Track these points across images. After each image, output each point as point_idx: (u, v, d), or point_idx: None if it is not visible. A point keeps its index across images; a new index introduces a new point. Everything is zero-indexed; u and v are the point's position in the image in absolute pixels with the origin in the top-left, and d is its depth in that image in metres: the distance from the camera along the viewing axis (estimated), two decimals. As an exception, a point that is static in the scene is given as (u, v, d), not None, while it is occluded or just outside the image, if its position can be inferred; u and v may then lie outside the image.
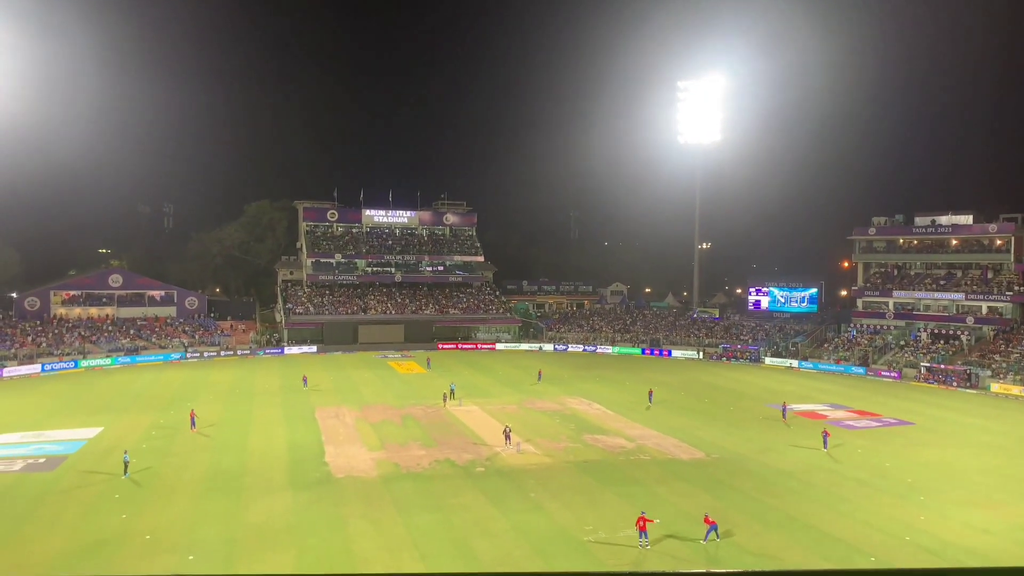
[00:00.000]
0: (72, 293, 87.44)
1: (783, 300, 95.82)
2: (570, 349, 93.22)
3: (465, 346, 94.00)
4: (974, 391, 64.66)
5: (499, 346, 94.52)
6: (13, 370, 68.85)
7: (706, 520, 27.35)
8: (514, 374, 71.12)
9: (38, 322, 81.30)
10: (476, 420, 49.06)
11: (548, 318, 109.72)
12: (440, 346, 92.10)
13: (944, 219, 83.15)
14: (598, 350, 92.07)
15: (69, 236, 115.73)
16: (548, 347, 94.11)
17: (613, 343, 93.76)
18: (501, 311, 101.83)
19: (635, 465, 38.12)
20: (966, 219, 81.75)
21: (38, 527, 28.34)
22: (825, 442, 41.35)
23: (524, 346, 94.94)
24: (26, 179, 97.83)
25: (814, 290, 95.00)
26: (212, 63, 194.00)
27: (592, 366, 78.04)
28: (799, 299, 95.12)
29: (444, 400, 54.56)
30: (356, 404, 54.51)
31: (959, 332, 76.19)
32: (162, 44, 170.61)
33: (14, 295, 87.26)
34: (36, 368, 70.63)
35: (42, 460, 38.17)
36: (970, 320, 76.57)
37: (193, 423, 45.42)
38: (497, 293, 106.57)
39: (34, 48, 79.48)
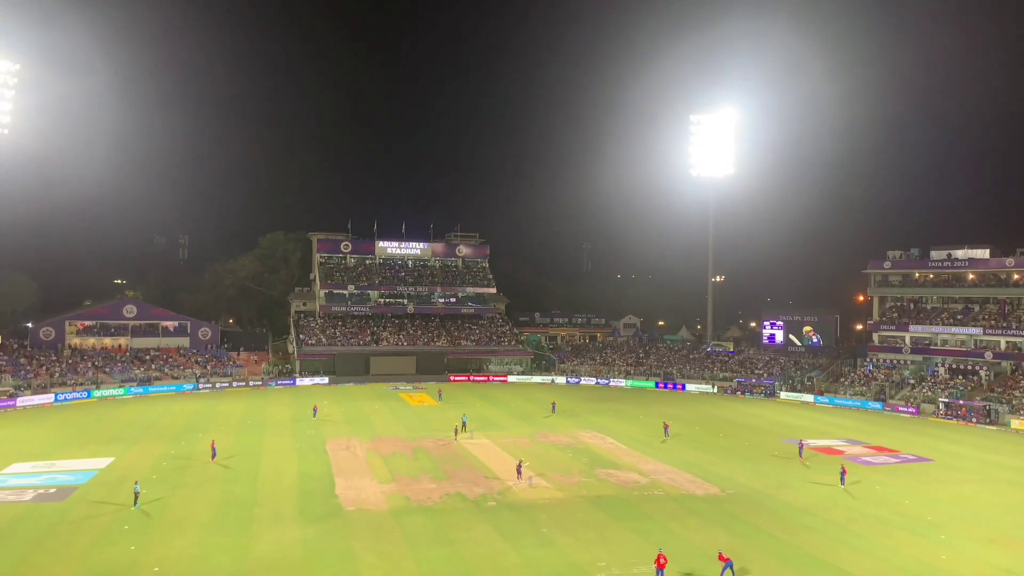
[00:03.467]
0: (87, 323, 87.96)
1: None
2: (583, 382, 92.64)
3: (477, 378, 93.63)
4: (993, 427, 63.63)
5: (511, 378, 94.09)
6: (27, 400, 69.06)
7: (720, 557, 26.83)
8: (526, 407, 70.66)
9: (52, 352, 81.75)
10: (487, 453, 48.65)
11: (560, 350, 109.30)
12: (452, 378, 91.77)
13: (960, 253, 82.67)
14: (611, 383, 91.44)
15: (85, 267, 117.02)
16: (560, 380, 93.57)
17: (626, 376, 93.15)
18: (513, 343, 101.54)
19: (649, 500, 37.58)
20: (983, 253, 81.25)
21: (48, 557, 28.14)
22: (842, 478, 40.70)
23: (536, 378, 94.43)
24: (44, 210, 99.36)
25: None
26: (227, 97, 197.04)
27: (605, 399, 77.45)
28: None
29: (455, 433, 54.19)
30: (367, 436, 54.23)
31: (977, 367, 75.24)
32: (178, 79, 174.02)
33: (30, 325, 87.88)
34: (49, 398, 70.83)
35: (53, 490, 38.07)
36: (988, 355, 75.60)
37: (214, 454, 45.36)
38: (509, 325, 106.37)
39: (53, 83, 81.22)
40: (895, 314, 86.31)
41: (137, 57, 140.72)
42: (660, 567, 26.02)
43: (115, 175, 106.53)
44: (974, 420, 65.39)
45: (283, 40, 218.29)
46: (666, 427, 56.34)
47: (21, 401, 68.41)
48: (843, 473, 41.10)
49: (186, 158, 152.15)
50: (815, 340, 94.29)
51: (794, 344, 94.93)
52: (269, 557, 28.37)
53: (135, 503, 34.68)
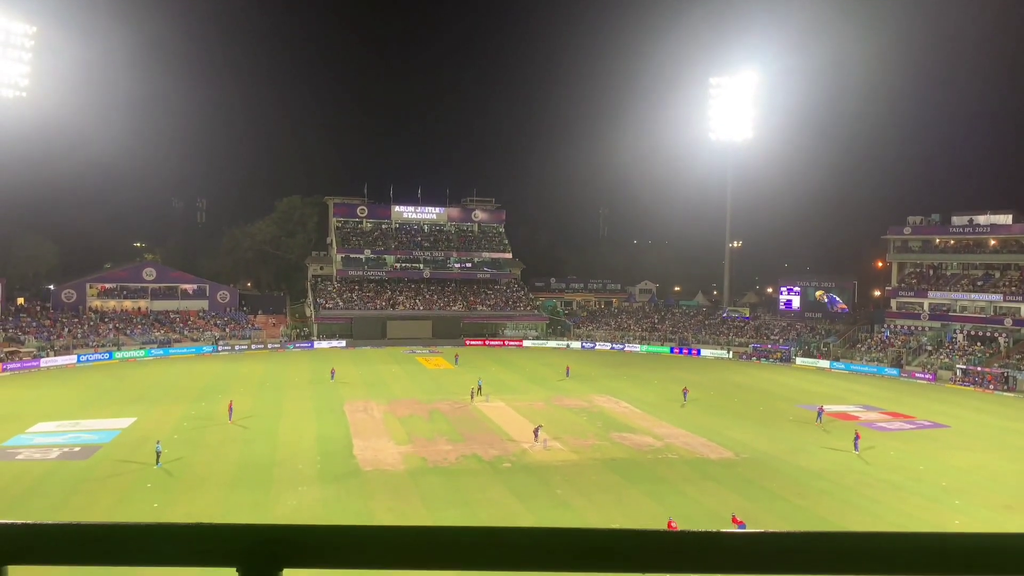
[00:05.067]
0: (107, 286, 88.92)
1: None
2: (598, 347, 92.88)
3: (492, 343, 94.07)
4: (1011, 394, 63.32)
5: (526, 343, 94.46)
6: (50, 361, 70.24)
7: (734, 520, 27.06)
8: (541, 371, 71.04)
9: (74, 314, 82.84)
10: (503, 416, 49.08)
11: (576, 316, 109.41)
12: (468, 342, 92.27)
13: (982, 219, 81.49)
14: (626, 348, 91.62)
15: (105, 230, 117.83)
16: (576, 345, 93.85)
17: (641, 341, 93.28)
18: (529, 308, 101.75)
19: (663, 464, 37.85)
20: (1005, 219, 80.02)
21: (72, 514, 28.84)
22: (856, 444, 40.71)
23: (551, 343, 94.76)
24: (64, 174, 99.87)
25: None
26: (245, 61, 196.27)
27: (620, 364, 77.67)
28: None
29: (471, 396, 54.66)
30: (384, 398, 54.81)
31: (996, 334, 74.62)
32: (196, 43, 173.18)
33: (51, 287, 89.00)
34: (72, 359, 72.00)
35: (77, 449, 38.87)
36: (1008, 322, 74.90)
37: (231, 414, 46.08)
38: (525, 290, 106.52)
39: (73, 46, 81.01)
40: (914, 280, 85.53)
41: (154, 20, 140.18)
42: (672, 530, 26.28)
43: (133, 139, 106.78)
44: (991, 387, 65.09)
45: (300, 5, 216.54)
46: (685, 392, 56.50)
47: (45, 362, 69.60)
48: (856, 439, 41.10)
49: (203, 121, 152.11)
50: (830, 299, 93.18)
51: (813, 309, 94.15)
52: (289, 516, 28.93)
53: (157, 462, 35.34)
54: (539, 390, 60.13)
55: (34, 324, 77.46)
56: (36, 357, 70.00)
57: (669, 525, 26.41)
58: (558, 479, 34.45)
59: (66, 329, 78.43)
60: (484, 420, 47.80)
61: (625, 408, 53.07)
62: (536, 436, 41.26)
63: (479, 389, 55.98)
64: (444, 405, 52.56)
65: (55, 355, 71.98)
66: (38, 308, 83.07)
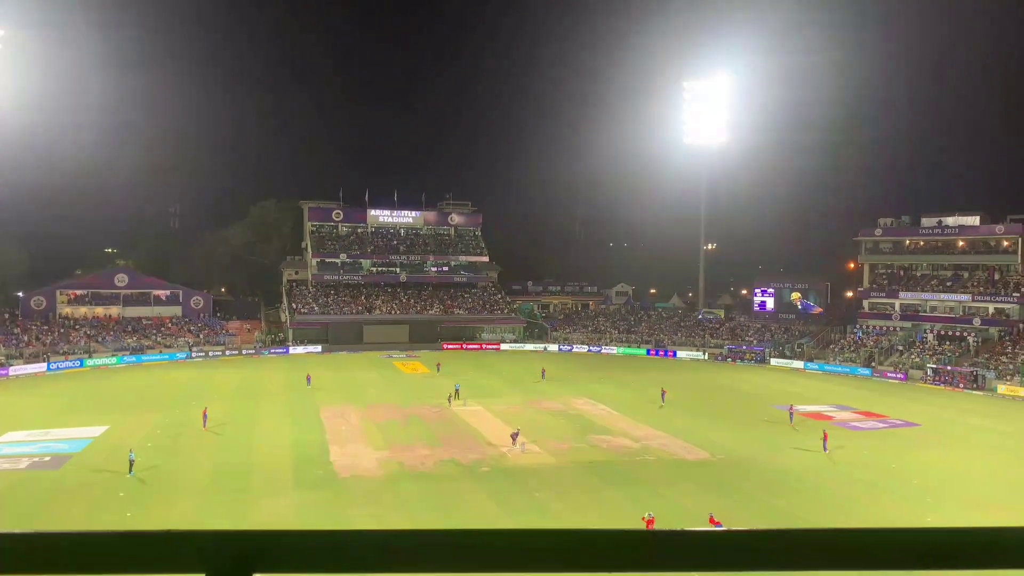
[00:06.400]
0: (78, 292, 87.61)
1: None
2: (575, 350, 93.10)
3: (470, 346, 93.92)
4: (980, 393, 64.39)
5: (504, 346, 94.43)
6: (19, 369, 69.04)
7: (711, 521, 27.25)
8: (519, 374, 71.03)
9: (44, 321, 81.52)
10: (481, 420, 49.02)
11: (553, 318, 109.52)
12: (445, 346, 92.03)
13: (951, 220, 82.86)
14: (603, 351, 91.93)
15: (76, 235, 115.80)
16: (553, 347, 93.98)
17: (618, 344, 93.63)
18: (506, 311, 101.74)
19: (640, 465, 38.05)
20: (973, 220, 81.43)
21: (43, 525, 28.05)
22: (824, 444, 40.91)
23: (529, 346, 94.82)
24: (34, 179, 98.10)
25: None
26: (218, 64, 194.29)
27: (597, 367, 77.90)
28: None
29: (449, 400, 54.51)
30: (361, 404, 54.51)
31: (966, 333, 75.86)
32: (168, 46, 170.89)
33: (20, 294, 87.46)
34: (42, 367, 70.81)
35: (48, 458, 38.24)
36: (977, 321, 76.20)
37: (205, 421, 45.56)
38: (502, 293, 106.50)
39: (42, 48, 79.81)
40: (885, 281, 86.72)
41: (126, 23, 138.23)
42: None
43: (105, 143, 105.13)
44: (961, 386, 66.14)
45: (275, 6, 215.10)
46: (663, 393, 56.78)
47: (13, 370, 68.40)
48: (824, 439, 41.12)
49: (175, 125, 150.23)
50: (804, 304, 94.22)
51: (787, 311, 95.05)
52: (265, 523, 28.64)
53: (130, 471, 34.86)
54: (517, 393, 60.14)
55: (3, 332, 76.08)
56: (5, 365, 68.75)
57: (650, 523, 26.54)
58: (536, 482, 34.49)
59: (36, 336, 77.14)
60: (462, 424, 47.73)
61: (603, 410, 53.24)
62: (514, 440, 41.27)
63: (456, 393, 55.83)
64: (422, 410, 52.39)
65: (24, 363, 70.75)
66: (7, 315, 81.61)
